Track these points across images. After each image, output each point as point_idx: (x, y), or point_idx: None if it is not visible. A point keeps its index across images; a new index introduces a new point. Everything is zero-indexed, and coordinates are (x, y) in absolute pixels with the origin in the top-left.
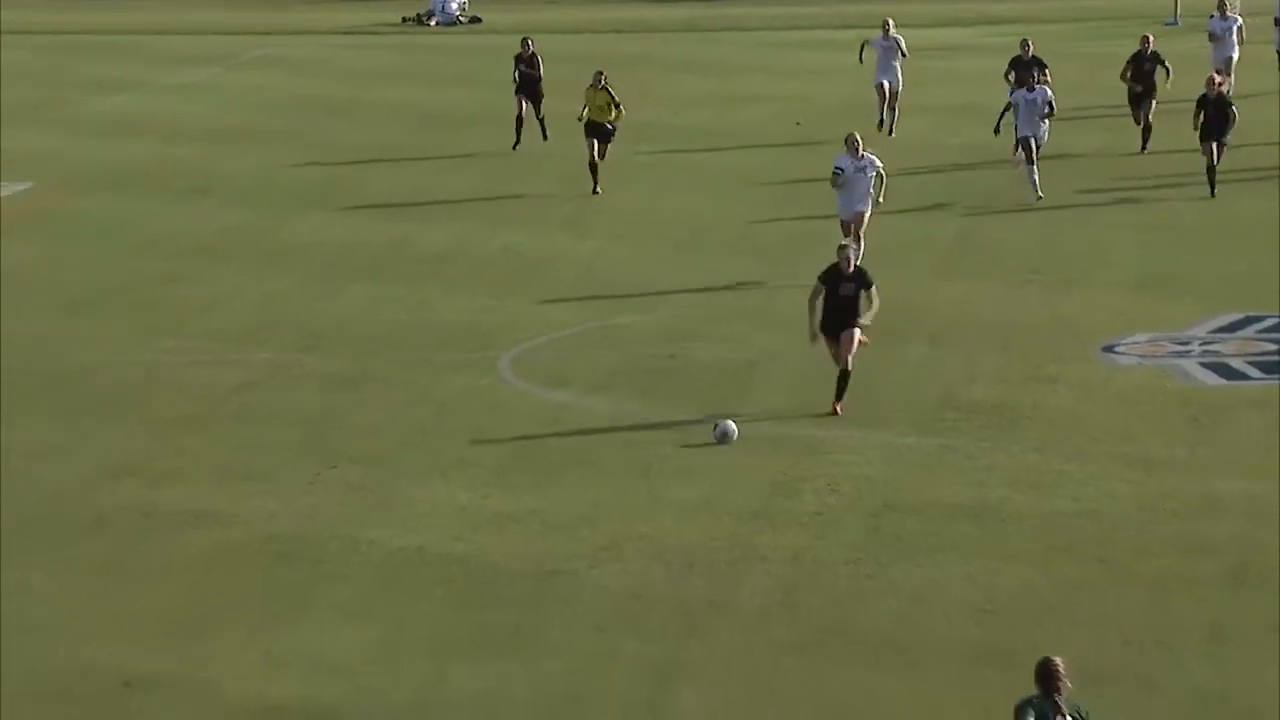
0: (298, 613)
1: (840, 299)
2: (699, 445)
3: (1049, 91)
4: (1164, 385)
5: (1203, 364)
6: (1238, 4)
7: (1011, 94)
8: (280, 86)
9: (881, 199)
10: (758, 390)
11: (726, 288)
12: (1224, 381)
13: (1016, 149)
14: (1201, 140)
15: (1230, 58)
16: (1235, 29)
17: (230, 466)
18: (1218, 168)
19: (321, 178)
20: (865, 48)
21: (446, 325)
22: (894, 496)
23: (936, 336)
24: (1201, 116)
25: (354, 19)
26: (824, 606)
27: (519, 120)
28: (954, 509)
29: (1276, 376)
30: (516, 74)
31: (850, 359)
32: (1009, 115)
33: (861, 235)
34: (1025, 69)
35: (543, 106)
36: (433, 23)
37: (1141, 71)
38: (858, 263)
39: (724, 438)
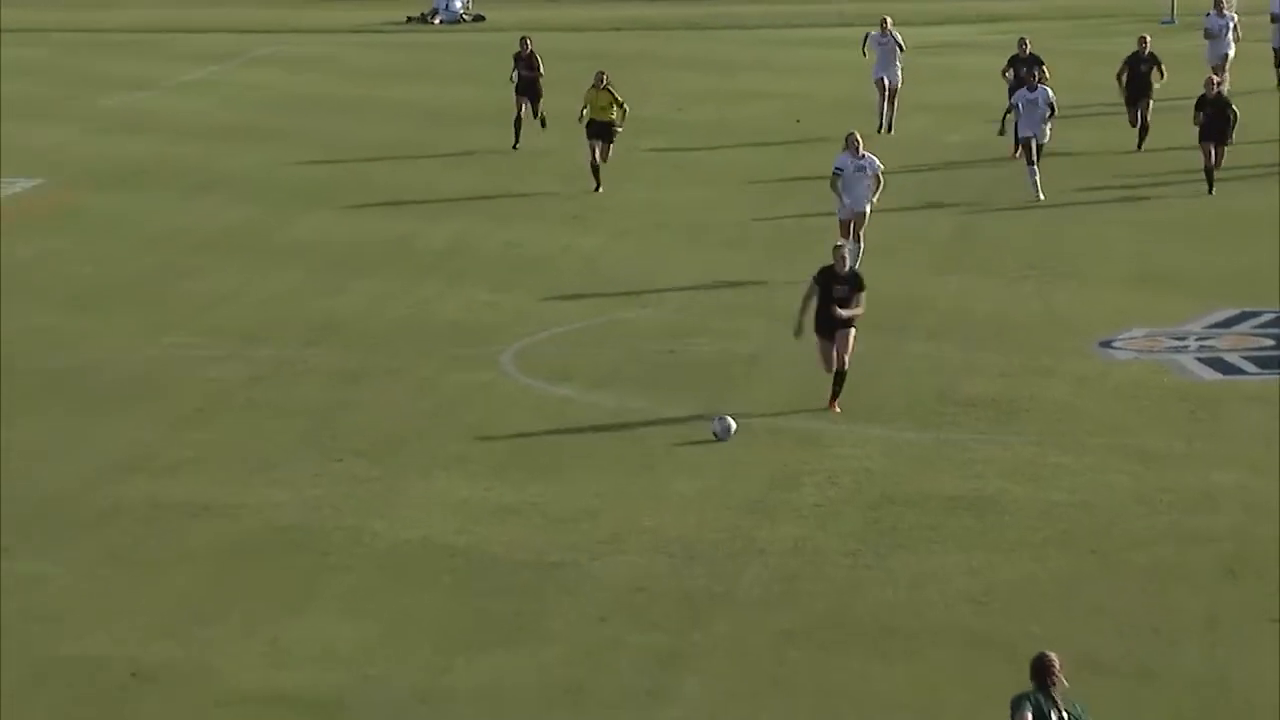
0: (303, 603)
1: (834, 299)
2: (700, 438)
3: (1050, 93)
4: (1161, 379)
5: (1199, 359)
6: (1234, 1)
7: (1013, 95)
8: (286, 84)
9: (876, 199)
10: (758, 384)
11: (728, 283)
12: (1220, 376)
13: (1017, 149)
14: (1200, 141)
15: (1226, 55)
16: (1231, 27)
17: (237, 459)
18: (1218, 169)
19: (327, 174)
20: (867, 42)
21: (450, 321)
22: (892, 489)
23: (935, 331)
24: (1200, 116)
25: (359, 17)
26: (824, 597)
27: (518, 121)
28: (952, 501)
29: (1272, 371)
30: (515, 74)
31: (847, 359)
32: (1011, 115)
33: (862, 236)
34: (1023, 67)
35: (541, 104)
36: (437, 21)
37: (1137, 72)
38: (855, 264)
39: (723, 434)
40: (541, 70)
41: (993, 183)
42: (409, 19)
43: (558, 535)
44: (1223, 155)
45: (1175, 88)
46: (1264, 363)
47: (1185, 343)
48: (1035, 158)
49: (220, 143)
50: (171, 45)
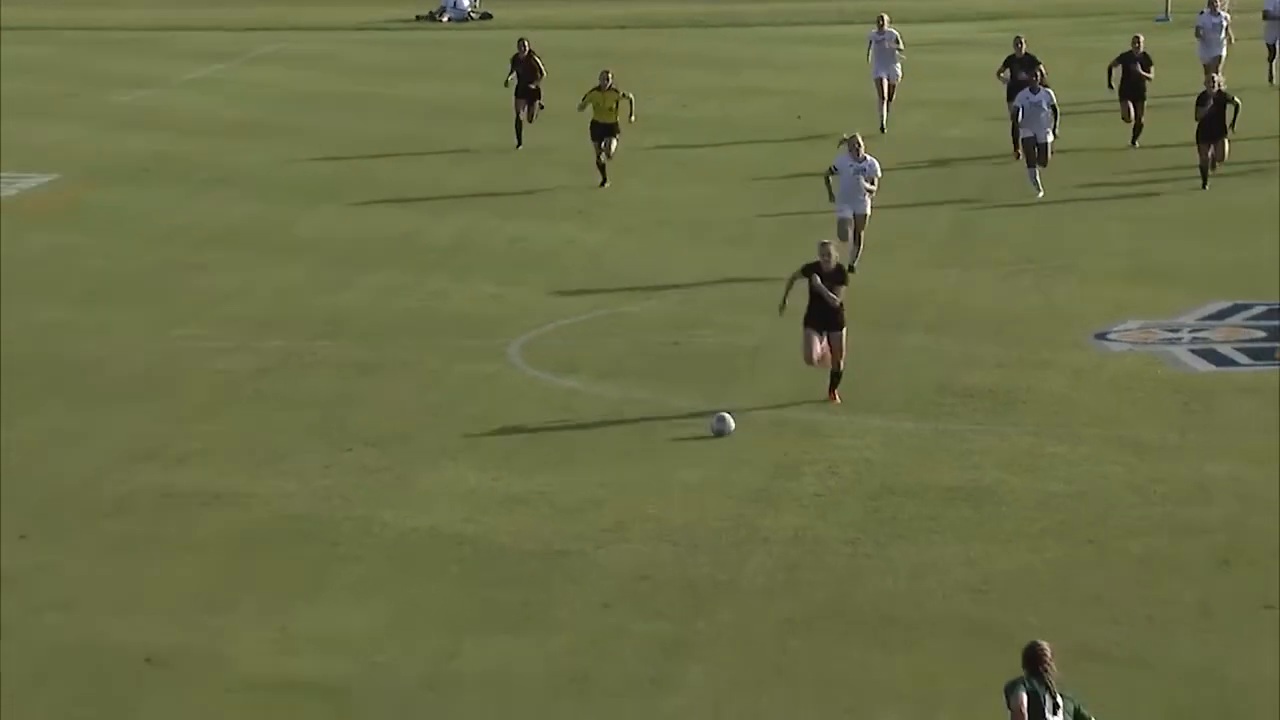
0: (313, 591)
1: (817, 293)
2: (704, 429)
3: (1052, 95)
4: (1155, 371)
5: (1193, 350)
6: (1227, 1)
7: (1015, 96)
8: (295, 81)
9: (872, 200)
10: (761, 376)
11: (731, 278)
12: (1213, 368)
13: (1018, 150)
14: (1198, 140)
15: (1219, 56)
16: (1224, 27)
17: (247, 450)
18: (1222, 163)
19: (334, 170)
20: (871, 47)
21: (457, 314)
22: (892, 479)
23: (933, 324)
24: (1201, 112)
25: (367, 15)
26: (824, 586)
27: (518, 124)
28: (950, 491)
29: (1264, 363)
30: (513, 75)
31: (842, 362)
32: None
33: (861, 236)
34: (1019, 67)
35: (542, 100)
36: (445, 19)
37: (1130, 71)
38: (854, 261)
39: (722, 431)
40: (543, 71)
41: (991, 178)
42: (417, 17)
43: (564, 524)
44: (1224, 150)
45: (1172, 85)
46: (1256, 354)
47: (1179, 335)
48: (1039, 158)
49: (228, 139)
50: (177, 43)
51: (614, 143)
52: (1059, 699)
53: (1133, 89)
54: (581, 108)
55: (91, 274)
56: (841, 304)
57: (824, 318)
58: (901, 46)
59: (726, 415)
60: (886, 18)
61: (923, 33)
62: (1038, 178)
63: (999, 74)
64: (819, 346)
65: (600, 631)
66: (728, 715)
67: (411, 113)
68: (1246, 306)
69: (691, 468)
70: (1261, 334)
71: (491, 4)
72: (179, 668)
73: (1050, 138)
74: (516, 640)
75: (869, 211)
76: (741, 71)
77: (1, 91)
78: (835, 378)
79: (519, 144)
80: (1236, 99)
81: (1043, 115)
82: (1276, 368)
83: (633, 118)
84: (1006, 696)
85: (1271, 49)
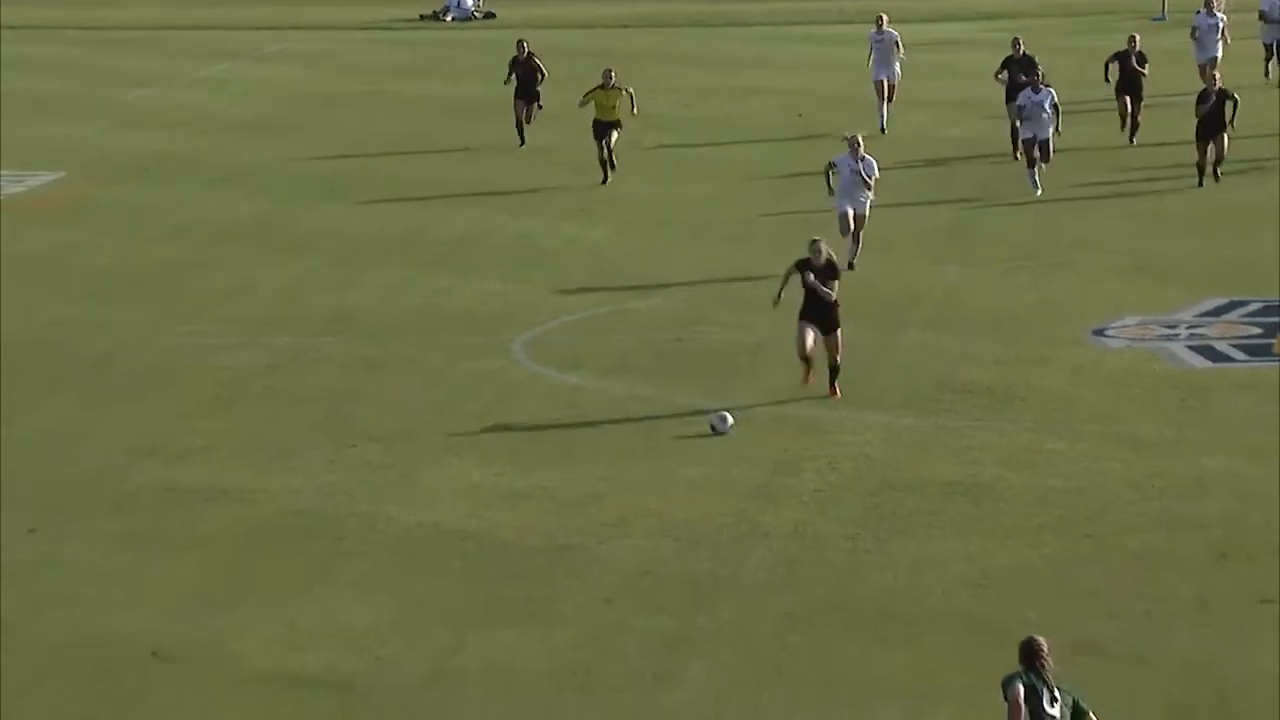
0: (318, 586)
1: (810, 288)
2: (706, 426)
3: (1054, 94)
4: (1152, 367)
5: (1190, 347)
6: (1223, 1)
7: (1017, 96)
8: (301, 80)
9: (871, 199)
10: (762, 373)
11: (732, 275)
12: (1210, 364)
13: (1017, 151)
14: (1196, 138)
15: (1215, 58)
16: (1220, 28)
17: (253, 446)
18: (1223, 162)
19: (340, 168)
20: (871, 52)
21: (462, 310)
22: (892, 475)
23: (932, 321)
24: (1201, 110)
25: (371, 15)
26: (824, 581)
27: (519, 124)
28: (949, 487)
29: (1261, 359)
30: (512, 76)
31: (838, 357)
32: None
33: (860, 236)
34: (1017, 68)
35: (541, 101)
36: (448, 18)
37: (1126, 69)
38: (853, 258)
39: (720, 429)
40: (544, 72)
41: (989, 177)
42: (421, 16)
43: (566, 520)
44: (1224, 147)
45: (1169, 84)
46: (1253, 350)
47: (1176, 331)
48: (1041, 155)
49: (235, 137)
50: (183, 42)
51: (615, 134)
52: (1056, 693)
53: (1129, 86)
54: (583, 104)
55: (97, 271)
56: (837, 301)
57: (819, 314)
58: (902, 48)
59: (725, 414)
60: (885, 18)
61: (922, 32)
62: (1037, 177)
63: (996, 76)
64: (811, 339)
65: (602, 626)
66: (728, 710)
67: (416, 111)
68: (1243, 303)
69: (693, 464)
70: (1258, 330)
71: (495, 3)
72: (185, 662)
73: (1051, 134)
74: (520, 635)
75: (868, 212)
76: (742, 71)
77: (8, 90)
78: (834, 371)
79: (521, 143)
80: (1235, 95)
81: (1044, 115)
82: (1273, 363)
83: (635, 110)
84: (1003, 689)
85: (1269, 49)
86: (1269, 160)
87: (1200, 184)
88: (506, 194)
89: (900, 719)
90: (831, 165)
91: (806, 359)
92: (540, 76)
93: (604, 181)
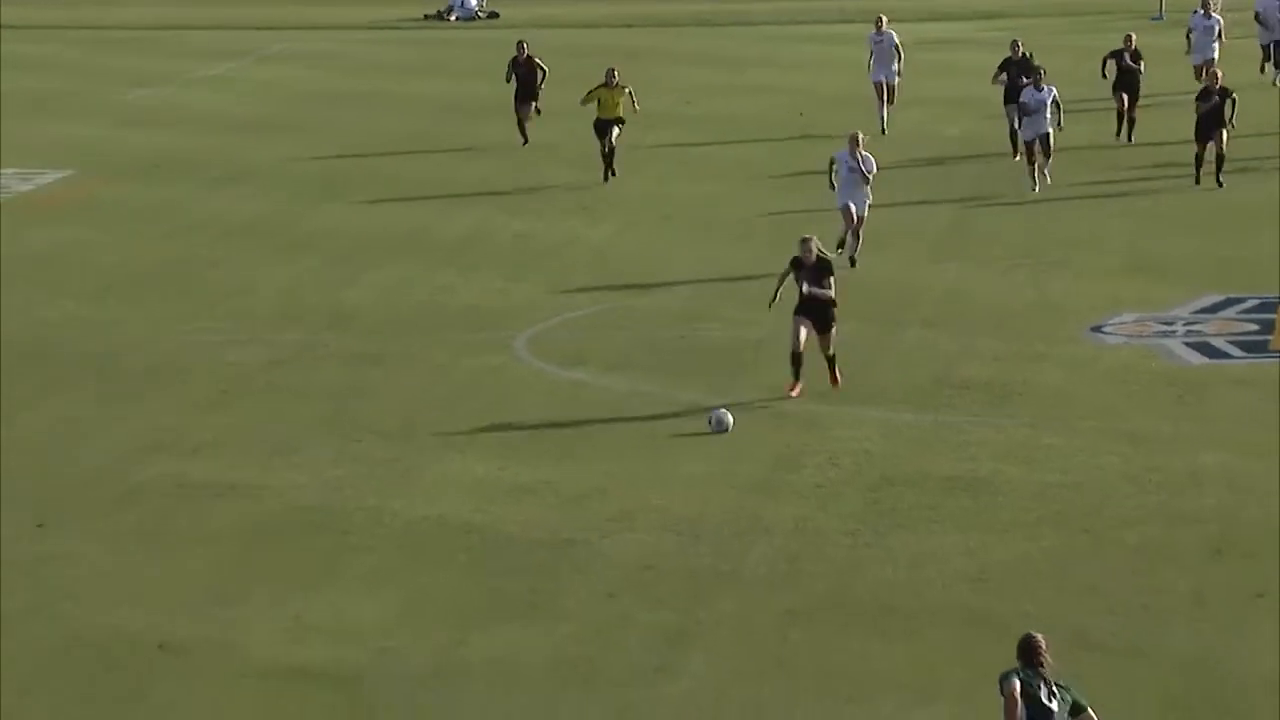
0: (324, 580)
1: (803, 284)
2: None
3: (1056, 92)
4: (1149, 364)
5: (1186, 343)
6: (1219, 3)
7: (1022, 93)
8: (306, 79)
9: (868, 195)
10: (763, 369)
11: (734, 273)
12: (1207, 360)
13: (1017, 152)
14: (1197, 136)
15: (1211, 59)
16: (1217, 30)
17: (259, 441)
18: (1224, 162)
19: (345, 167)
20: (871, 56)
21: (465, 307)
22: (891, 470)
23: (931, 318)
24: (1201, 107)
25: (376, 14)
26: (825, 576)
27: (521, 123)
28: (948, 482)
29: (1257, 355)
30: (512, 77)
31: (831, 347)
32: (1017, 114)
33: (860, 232)
34: (1016, 69)
35: (539, 104)
36: (452, 18)
37: (1122, 69)
38: (853, 252)
39: (719, 427)
40: (545, 70)
41: (988, 175)
42: (425, 16)
43: (569, 515)
44: (1223, 145)
45: (1166, 84)
46: (1248, 347)
47: (1173, 328)
48: (1043, 150)
49: (241, 136)
50: (188, 42)
51: (617, 130)
52: (1054, 689)
53: (1126, 85)
54: (585, 103)
55: (105, 269)
56: (834, 299)
57: (814, 311)
58: (902, 52)
59: (724, 412)
60: (885, 20)
61: (921, 31)
62: (1037, 175)
63: (994, 80)
64: (804, 337)
65: (605, 620)
66: (730, 703)
67: (419, 111)
68: (1239, 300)
69: (695, 459)
70: (1254, 327)
71: (499, 3)
72: (191, 656)
73: (1053, 130)
74: (523, 628)
75: (867, 212)
76: (745, 70)
77: (15, 89)
78: (831, 361)
79: (525, 142)
80: (1234, 94)
81: (1047, 112)
82: (1269, 360)
83: (635, 109)
84: (1000, 685)
85: (1266, 50)
86: (1265, 159)
87: (1197, 181)
88: (509, 192)
89: (900, 712)
90: (833, 161)
91: (798, 359)
92: (541, 75)
93: (605, 180)
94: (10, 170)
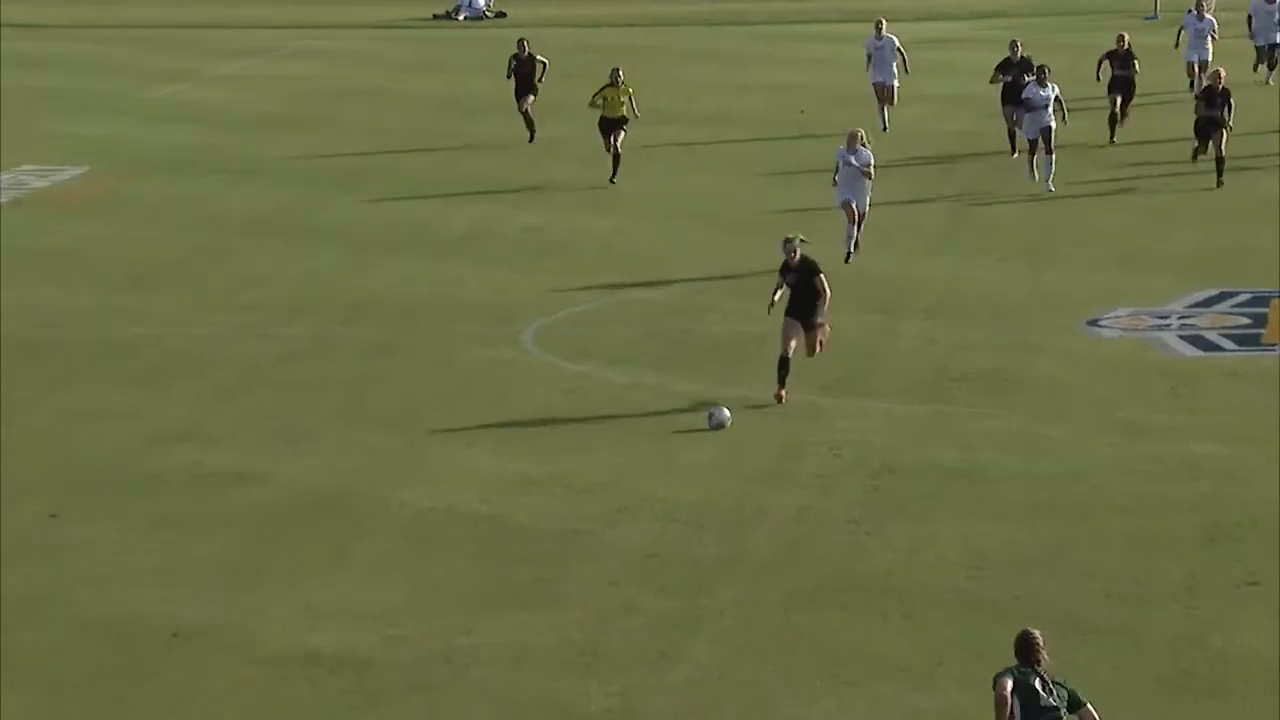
0: (335, 568)
1: (794, 288)
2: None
3: (1058, 89)
4: (1144, 356)
5: (1181, 336)
6: (1213, 3)
7: (1025, 90)
8: (320, 77)
9: (869, 192)
10: (766, 362)
11: (736, 266)
12: (1200, 353)
13: (1015, 151)
14: (1196, 133)
15: (1205, 61)
16: (1210, 32)
17: (273, 431)
18: (1225, 159)
19: (358, 163)
20: (870, 60)
21: (473, 300)
22: (892, 459)
23: (931, 311)
24: (1201, 106)
25: (387, 14)
26: (827, 562)
27: (526, 117)
28: (947, 471)
29: (1249, 348)
30: (512, 75)
31: (817, 350)
32: (1020, 112)
33: (861, 228)
34: (1017, 70)
35: (539, 87)
36: (461, 17)
37: (1116, 68)
38: (852, 249)
39: (717, 424)
40: (545, 64)
41: (986, 171)
42: (435, 15)
43: (575, 504)
44: (1222, 146)
45: (1161, 83)
46: (1241, 340)
47: (1167, 321)
48: (1045, 145)
49: (257, 132)
50: (208, 40)
51: (622, 134)
52: (1052, 687)
53: (1120, 85)
54: (593, 104)
55: (122, 263)
56: (826, 295)
57: (804, 311)
58: (904, 52)
59: (723, 408)
60: (884, 23)
61: (920, 30)
62: (1035, 167)
63: (992, 81)
64: (794, 344)
65: (610, 607)
66: (733, 687)
67: (429, 108)
68: (1232, 294)
69: (699, 450)
70: (1246, 320)
71: (506, 3)
72: (205, 641)
73: (1055, 124)
74: (530, 615)
75: (868, 207)
76: (747, 68)
77: (34, 86)
78: (811, 352)
79: (531, 138)
80: (1232, 97)
81: (1049, 109)
82: (1261, 352)
83: (635, 113)
84: (993, 684)
85: (1260, 51)
86: (1259, 156)
87: (1194, 160)
88: (516, 188)
89: (899, 693)
90: (838, 161)
91: (785, 364)
92: (542, 68)
93: (612, 180)
94: (29, 167)
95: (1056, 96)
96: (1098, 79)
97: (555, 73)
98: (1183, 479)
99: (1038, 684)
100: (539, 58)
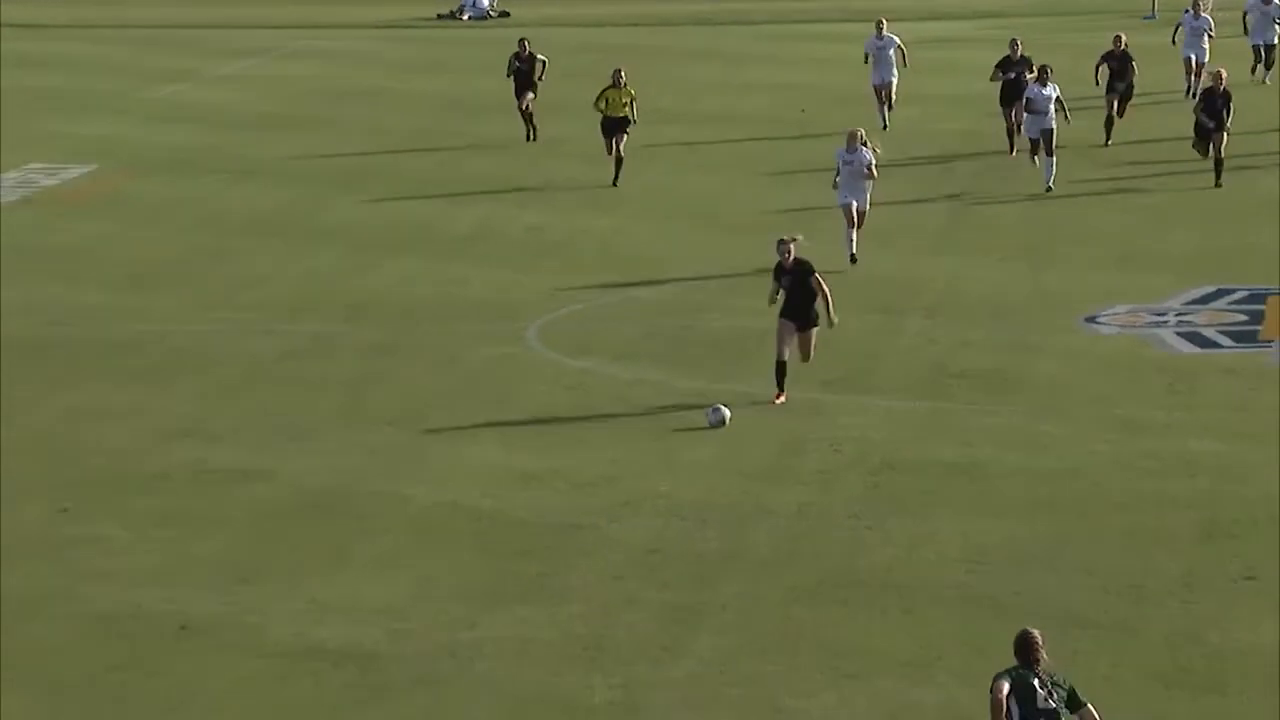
0: (339, 562)
1: (789, 290)
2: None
3: (1058, 89)
4: (1142, 353)
5: (1178, 333)
6: (1209, 3)
7: (1027, 89)
8: (322, 77)
9: (870, 191)
10: (766, 359)
11: (737, 264)
12: (1197, 349)
13: (1014, 151)
14: (1196, 134)
15: (1203, 62)
16: (1206, 32)
17: (277, 428)
18: (1224, 161)
19: (360, 162)
20: (869, 59)
21: (476, 299)
22: (892, 455)
23: (931, 309)
24: (1201, 105)
25: (390, 14)
26: (827, 557)
27: (526, 115)
28: (947, 467)
29: (1246, 345)
30: (512, 75)
31: (812, 354)
32: (1021, 112)
33: (861, 229)
34: (1015, 70)
35: (535, 93)
36: (464, 17)
37: (1114, 69)
38: (854, 248)
39: (717, 423)
40: (544, 61)
41: (986, 171)
42: (438, 15)
43: (578, 500)
44: (1222, 147)
45: (1159, 83)
46: (1238, 337)
47: (1165, 318)
48: (1045, 145)
49: (259, 132)
50: (210, 40)
51: (625, 137)
52: (1051, 687)
53: (1118, 86)
54: (597, 105)
55: (128, 261)
56: (825, 294)
57: (798, 312)
58: (905, 51)
59: (722, 407)
60: (885, 23)
61: (920, 30)
62: (1039, 163)
63: (993, 78)
64: (788, 349)
65: (612, 601)
66: (735, 680)
67: (431, 107)
68: (1229, 291)
69: (700, 446)
70: (1243, 317)
71: (509, 3)
72: (211, 636)
73: (1056, 124)
74: (532, 610)
75: (868, 207)
76: (748, 67)
77: (40, 86)
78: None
79: (531, 138)
80: (1231, 104)
81: (1050, 108)
82: (1258, 349)
83: (635, 117)
84: (991, 686)
85: (1257, 50)
86: (1257, 155)
87: (1194, 148)
88: (519, 187)
89: (899, 688)
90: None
91: (782, 368)
92: (542, 65)
93: (614, 183)
94: (36, 165)
95: (1058, 97)
96: (1096, 83)
97: (558, 72)
98: (1180, 475)
99: (1036, 685)
100: (539, 56)
